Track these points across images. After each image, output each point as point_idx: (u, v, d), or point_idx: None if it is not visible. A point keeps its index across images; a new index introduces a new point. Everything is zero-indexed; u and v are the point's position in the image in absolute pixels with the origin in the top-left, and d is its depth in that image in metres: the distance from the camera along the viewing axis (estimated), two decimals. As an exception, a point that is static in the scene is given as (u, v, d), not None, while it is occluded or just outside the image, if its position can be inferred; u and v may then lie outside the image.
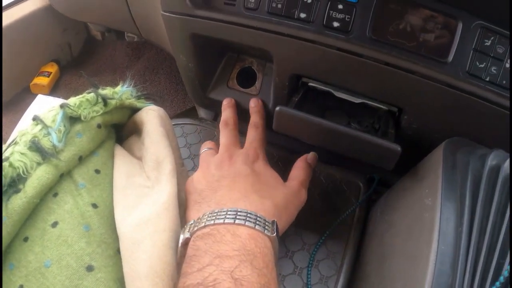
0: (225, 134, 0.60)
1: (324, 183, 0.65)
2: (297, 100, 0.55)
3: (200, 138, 0.70)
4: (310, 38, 0.52)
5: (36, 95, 1.19)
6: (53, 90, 1.24)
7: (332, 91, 0.57)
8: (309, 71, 0.56)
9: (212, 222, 0.44)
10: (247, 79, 0.67)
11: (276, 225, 0.46)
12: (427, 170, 0.49)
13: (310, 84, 0.58)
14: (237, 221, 0.43)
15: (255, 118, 0.63)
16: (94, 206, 0.46)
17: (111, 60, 1.32)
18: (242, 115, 0.63)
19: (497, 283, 0.34)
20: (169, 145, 0.53)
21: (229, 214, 0.44)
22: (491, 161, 0.44)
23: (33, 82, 1.22)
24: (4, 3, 1.11)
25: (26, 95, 1.21)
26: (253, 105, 0.64)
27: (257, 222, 0.44)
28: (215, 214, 0.44)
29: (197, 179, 0.53)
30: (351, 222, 0.61)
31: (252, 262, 0.40)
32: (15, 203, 0.42)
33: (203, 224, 0.44)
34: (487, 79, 0.49)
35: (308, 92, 0.59)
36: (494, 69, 0.49)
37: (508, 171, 0.42)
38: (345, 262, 0.57)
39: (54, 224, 0.43)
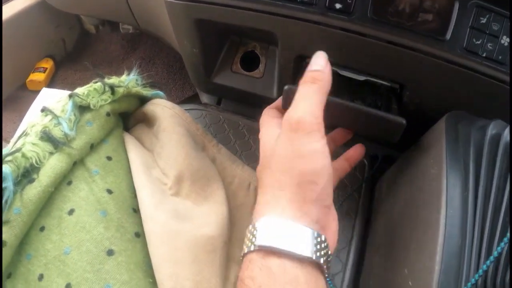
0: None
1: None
2: None
3: (206, 123, 0.71)
4: (314, 19, 0.53)
5: (32, 91, 1.19)
6: (50, 85, 1.24)
7: (337, 69, 0.58)
8: (313, 51, 0.54)
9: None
10: (250, 63, 0.68)
11: None
12: (430, 142, 0.51)
13: None
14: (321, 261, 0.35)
15: (317, 61, 0.43)
16: (109, 192, 0.47)
17: (106, 53, 1.32)
18: (246, 99, 0.63)
19: (505, 239, 0.36)
20: (188, 154, 0.52)
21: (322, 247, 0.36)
22: (491, 130, 0.45)
23: (29, 79, 1.21)
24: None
25: (22, 93, 1.21)
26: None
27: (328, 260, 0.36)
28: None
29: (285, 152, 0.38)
30: (358, 197, 0.62)
31: None
32: (30, 193, 0.42)
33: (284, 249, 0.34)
34: (484, 55, 0.50)
35: None
36: (490, 45, 0.50)
37: (508, 138, 0.44)
38: (355, 234, 0.59)
39: (71, 212, 0.44)
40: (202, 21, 0.61)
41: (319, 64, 0.42)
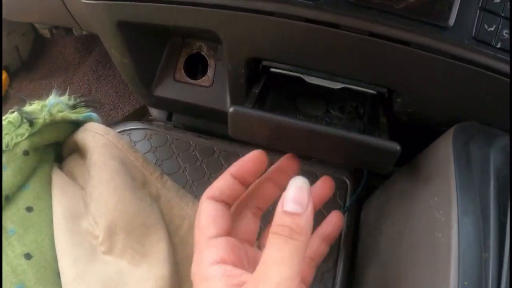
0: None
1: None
2: (258, 92, 0.46)
3: (151, 145, 0.62)
4: (267, 9, 0.44)
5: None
6: (4, 100, 1.21)
7: (302, 76, 0.49)
8: (269, 52, 0.49)
9: None
10: (197, 67, 0.61)
11: None
12: (433, 168, 0.41)
13: (273, 69, 0.50)
14: None
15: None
16: (28, 256, 0.43)
17: (62, 59, 1.30)
18: (196, 113, 0.57)
19: None
20: (121, 197, 0.47)
21: None
22: (520, 155, 0.37)
23: (-20, 95, 1.19)
24: None
25: (-26, 111, 1.17)
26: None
27: None
28: None
29: None
30: (340, 232, 0.53)
31: None
32: None
33: None
34: (498, 46, 0.42)
35: (272, 79, 0.51)
36: (506, 33, 0.42)
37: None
38: (337, 284, 0.50)
39: None
40: (128, 24, 0.53)
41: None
